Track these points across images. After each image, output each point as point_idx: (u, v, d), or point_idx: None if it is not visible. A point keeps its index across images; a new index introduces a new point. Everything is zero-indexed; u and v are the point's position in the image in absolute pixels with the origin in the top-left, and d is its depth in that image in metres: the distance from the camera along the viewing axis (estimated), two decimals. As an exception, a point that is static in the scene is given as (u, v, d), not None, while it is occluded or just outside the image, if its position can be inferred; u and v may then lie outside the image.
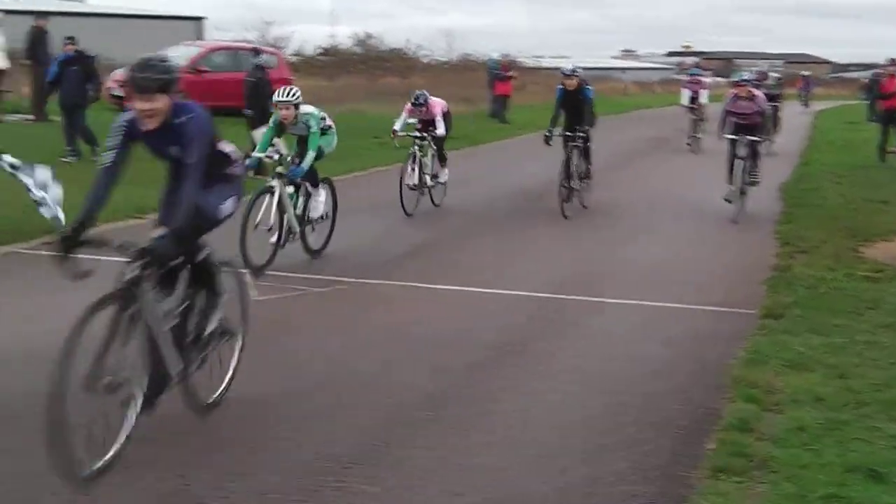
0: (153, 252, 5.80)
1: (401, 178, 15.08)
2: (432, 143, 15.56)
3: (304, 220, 11.70)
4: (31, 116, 21.47)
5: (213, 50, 27.83)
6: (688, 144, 26.77)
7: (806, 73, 57.19)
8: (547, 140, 15.28)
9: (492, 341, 8.70)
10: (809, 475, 5.64)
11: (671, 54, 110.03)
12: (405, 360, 8.04)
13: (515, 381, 7.64)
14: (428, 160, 15.53)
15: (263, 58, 19.86)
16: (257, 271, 10.31)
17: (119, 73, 26.81)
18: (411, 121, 15.64)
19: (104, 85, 19.70)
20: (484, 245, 13.04)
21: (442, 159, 15.91)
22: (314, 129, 11.49)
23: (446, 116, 15.53)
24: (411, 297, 10.17)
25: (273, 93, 12.34)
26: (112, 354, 5.48)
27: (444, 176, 16.01)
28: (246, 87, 18.61)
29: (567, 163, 15.35)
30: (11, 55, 21.93)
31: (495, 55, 35.08)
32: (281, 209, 11.15)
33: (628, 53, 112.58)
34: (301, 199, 11.67)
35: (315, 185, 11.90)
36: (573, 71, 15.51)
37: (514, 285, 10.67)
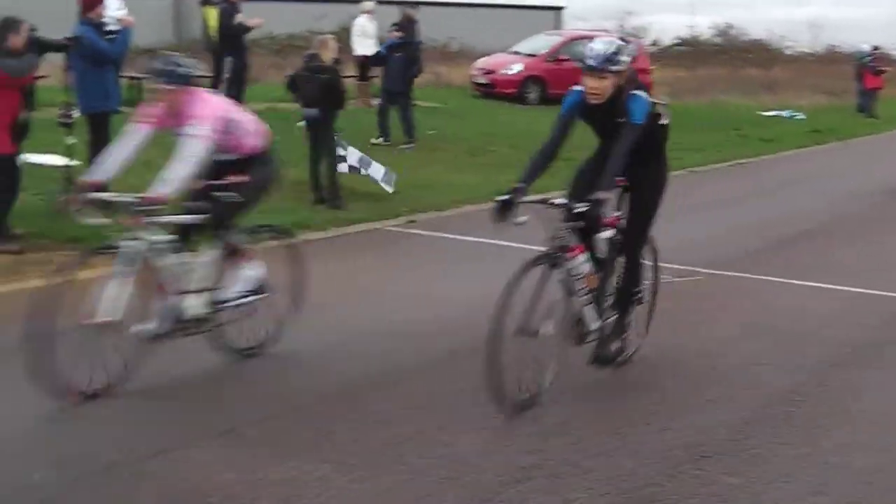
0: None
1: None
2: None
3: None
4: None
5: (572, 39, 28.09)
6: None
7: None
8: (502, 211, 6.41)
9: (852, 340, 8.37)
10: None
11: None
12: (763, 355, 7.85)
13: (876, 382, 7.35)
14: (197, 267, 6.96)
15: (629, 48, 19.64)
16: None
17: (482, 62, 27.65)
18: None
19: (422, 71, 19.82)
20: (850, 243, 12.52)
21: (231, 249, 7.12)
22: None
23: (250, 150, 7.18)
24: (770, 291, 9.91)
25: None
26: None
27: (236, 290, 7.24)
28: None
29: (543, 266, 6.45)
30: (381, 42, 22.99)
31: (865, 47, 33.49)
32: None
33: None
34: None
35: None
36: (608, 59, 6.70)
37: (881, 286, 10.18)
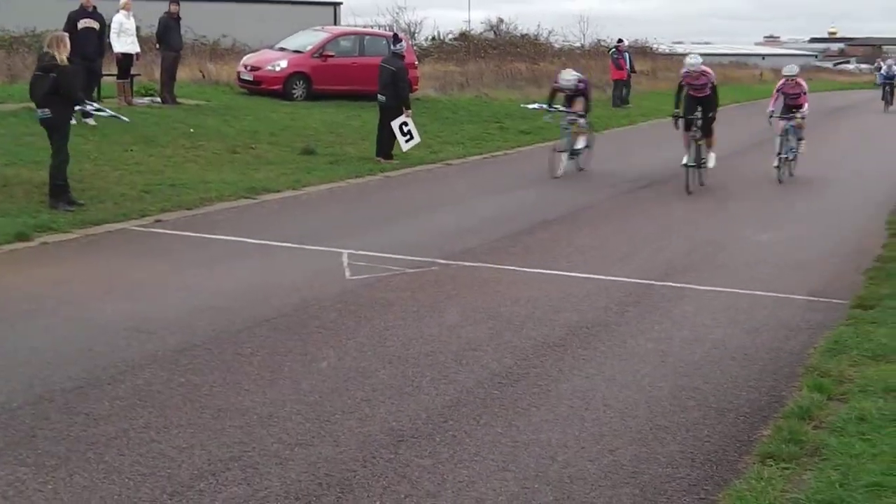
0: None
1: None
2: None
3: None
4: (159, 99, 22.16)
5: (339, 35, 28.18)
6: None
7: None
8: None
9: (573, 324, 8.76)
10: (858, 464, 5.60)
11: (814, 40, 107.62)
12: (482, 340, 8.15)
13: (587, 362, 7.71)
14: None
15: (401, 45, 19.61)
16: None
17: (248, 59, 27.48)
18: None
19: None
20: (590, 231, 13.06)
21: None
22: None
23: None
24: (500, 280, 10.25)
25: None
26: None
27: None
28: (382, 74, 18.64)
29: None
30: (143, 40, 22.65)
31: (616, 41, 35.44)
32: None
33: (771, 40, 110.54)
34: None
35: None
36: None
37: (610, 271, 10.68)
